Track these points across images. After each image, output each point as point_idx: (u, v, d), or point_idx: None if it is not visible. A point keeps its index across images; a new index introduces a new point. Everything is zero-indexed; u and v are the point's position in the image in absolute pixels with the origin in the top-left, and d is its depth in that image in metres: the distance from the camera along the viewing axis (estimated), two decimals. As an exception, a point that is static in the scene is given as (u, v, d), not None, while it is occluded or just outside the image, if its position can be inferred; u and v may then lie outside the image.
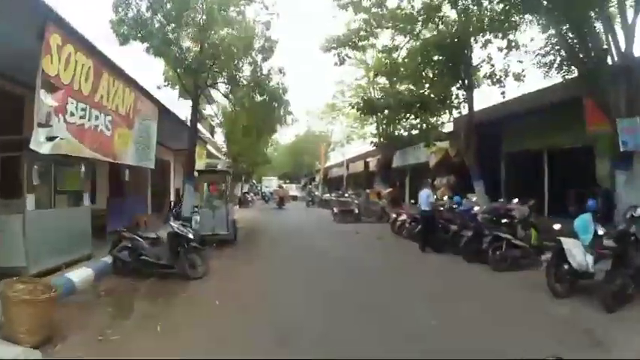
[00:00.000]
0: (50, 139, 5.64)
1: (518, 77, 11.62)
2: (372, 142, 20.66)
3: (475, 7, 11.13)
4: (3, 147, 6.19)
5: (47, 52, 5.55)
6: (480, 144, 11.92)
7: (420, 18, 12.10)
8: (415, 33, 12.94)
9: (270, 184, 41.48)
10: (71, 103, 6.27)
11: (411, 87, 13.38)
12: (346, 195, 23.37)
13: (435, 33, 12.24)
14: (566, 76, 9.46)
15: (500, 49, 11.62)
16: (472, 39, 11.53)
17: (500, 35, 11.30)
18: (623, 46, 7.31)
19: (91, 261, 7.19)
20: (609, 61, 7.66)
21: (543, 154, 12.18)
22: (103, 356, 3.87)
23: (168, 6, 10.33)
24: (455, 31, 11.50)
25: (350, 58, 14.52)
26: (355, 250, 10.50)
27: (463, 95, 12.22)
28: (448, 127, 14.84)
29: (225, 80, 12.25)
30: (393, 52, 13.70)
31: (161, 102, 10.64)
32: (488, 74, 12.07)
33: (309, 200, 30.12)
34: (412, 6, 12.28)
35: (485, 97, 12.89)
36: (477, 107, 12.32)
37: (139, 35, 10.24)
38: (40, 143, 5.46)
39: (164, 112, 10.85)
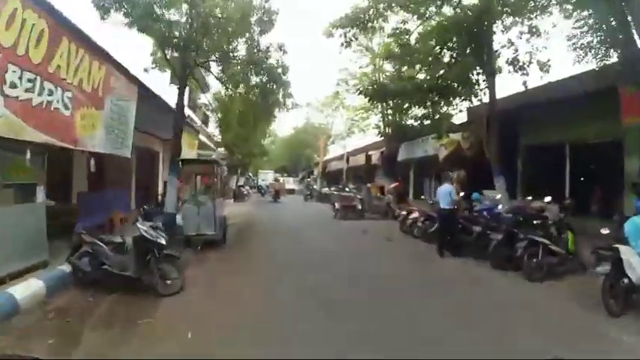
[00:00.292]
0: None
1: (543, 67, 10.38)
2: (379, 133, 19.33)
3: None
4: None
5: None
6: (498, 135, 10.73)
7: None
8: (429, 15, 11.62)
9: (267, 177, 42.73)
10: (13, 72, 4.93)
11: (423, 73, 11.98)
12: (347, 189, 22.26)
13: (452, 13, 10.92)
14: (603, 62, 8.38)
15: (520, 35, 10.42)
16: (493, 22, 10.30)
17: (523, 19, 10.10)
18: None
19: (46, 270, 5.87)
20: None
21: (565, 148, 11.15)
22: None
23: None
24: (476, 9, 10.18)
25: (357, 39, 13.06)
26: (365, 256, 9.14)
27: (484, 81, 10.91)
28: (460, 118, 13.64)
29: (218, 58, 10.65)
30: (404, 36, 12.32)
31: (142, 81, 9.26)
32: (510, 60, 10.79)
33: (307, 194, 28.86)
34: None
35: (500, 87, 11.69)
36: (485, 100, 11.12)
37: (120, 5, 8.83)
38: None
39: (148, 95, 9.51)
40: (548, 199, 8.46)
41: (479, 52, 10.24)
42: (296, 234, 12.08)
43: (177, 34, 9.98)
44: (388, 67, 18.00)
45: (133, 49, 12.21)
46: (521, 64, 10.73)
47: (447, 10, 11.38)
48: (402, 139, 17.54)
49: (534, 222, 7.79)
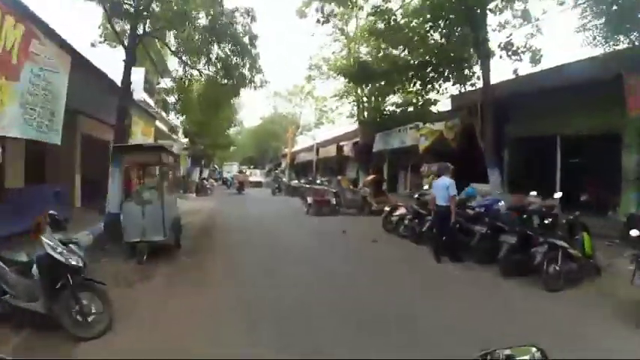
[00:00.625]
0: None
1: (534, 57, 9.58)
2: (357, 120, 18.11)
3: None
4: None
5: None
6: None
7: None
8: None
9: (232, 169, 41.37)
10: None
11: (409, 53, 10.79)
12: (317, 182, 21.04)
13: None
14: (612, 47, 7.91)
15: (513, 18, 9.57)
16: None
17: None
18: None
19: None
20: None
21: (556, 140, 10.41)
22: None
23: None
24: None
25: (335, 16, 11.70)
26: (351, 264, 7.64)
27: (476, 65, 9.92)
28: (442, 107, 12.70)
29: (172, 23, 8.72)
30: (387, 15, 11.09)
31: (78, 51, 7.48)
32: (503, 44, 9.89)
33: (276, 187, 27.28)
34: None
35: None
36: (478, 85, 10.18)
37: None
38: None
39: (85, 68, 7.75)
40: (558, 194, 7.59)
41: (474, 30, 9.18)
42: (265, 235, 10.38)
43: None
44: (364, 50, 16.77)
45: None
46: (514, 48, 9.87)
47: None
48: (381, 127, 16.35)
49: (545, 221, 6.86)
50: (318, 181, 21.77)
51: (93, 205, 11.12)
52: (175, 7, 8.28)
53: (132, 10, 8.42)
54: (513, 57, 9.97)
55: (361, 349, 3.81)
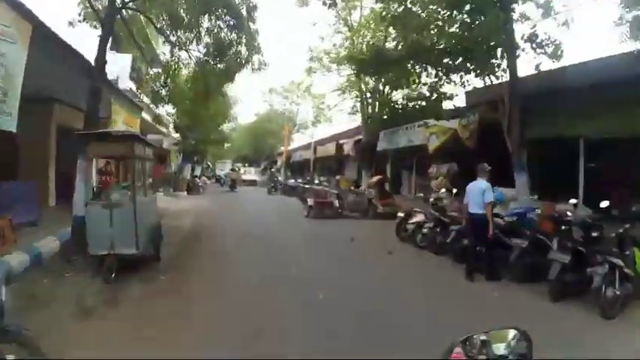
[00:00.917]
0: None
1: (555, 53, 8.56)
2: (367, 117, 17.05)
3: None
4: None
5: None
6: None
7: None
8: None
9: (225, 167, 41.66)
10: None
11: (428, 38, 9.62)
12: (316, 182, 19.98)
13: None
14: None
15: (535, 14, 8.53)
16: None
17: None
18: None
19: None
20: None
21: (579, 144, 9.37)
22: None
23: None
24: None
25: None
26: (368, 283, 6.25)
27: (502, 57, 8.84)
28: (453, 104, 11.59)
29: None
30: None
31: (43, 21, 6.19)
32: (526, 37, 8.85)
33: (272, 186, 26.13)
34: None
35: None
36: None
37: None
38: None
39: (61, 49, 6.48)
40: (573, 201, 6.62)
41: (504, 11, 8.07)
42: (262, 244, 8.92)
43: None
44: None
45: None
46: (539, 40, 8.81)
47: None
48: (388, 124, 15.16)
49: (593, 235, 5.78)
50: (316, 181, 20.76)
51: (69, 204, 9.93)
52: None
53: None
54: (538, 50, 8.92)
55: None
